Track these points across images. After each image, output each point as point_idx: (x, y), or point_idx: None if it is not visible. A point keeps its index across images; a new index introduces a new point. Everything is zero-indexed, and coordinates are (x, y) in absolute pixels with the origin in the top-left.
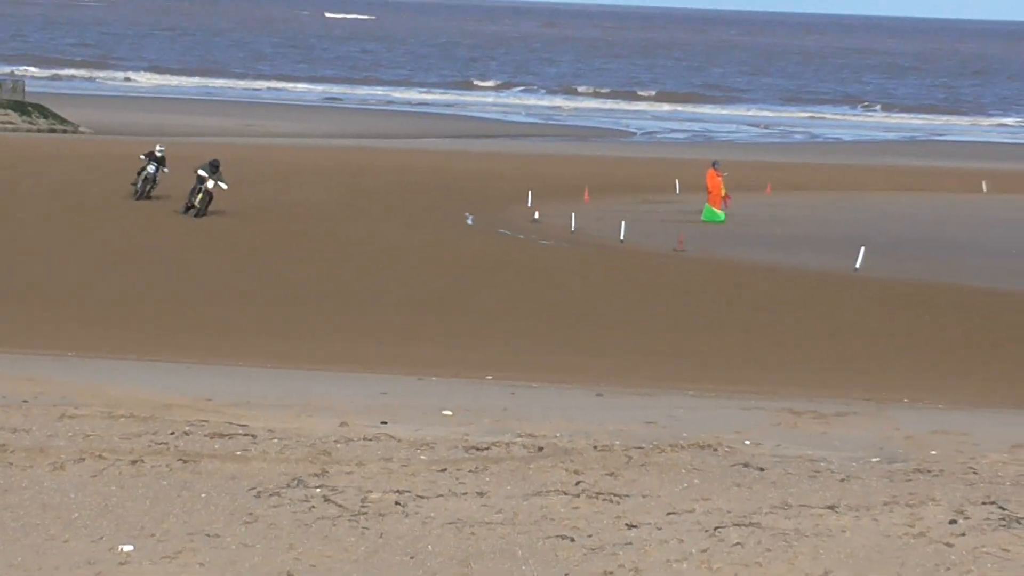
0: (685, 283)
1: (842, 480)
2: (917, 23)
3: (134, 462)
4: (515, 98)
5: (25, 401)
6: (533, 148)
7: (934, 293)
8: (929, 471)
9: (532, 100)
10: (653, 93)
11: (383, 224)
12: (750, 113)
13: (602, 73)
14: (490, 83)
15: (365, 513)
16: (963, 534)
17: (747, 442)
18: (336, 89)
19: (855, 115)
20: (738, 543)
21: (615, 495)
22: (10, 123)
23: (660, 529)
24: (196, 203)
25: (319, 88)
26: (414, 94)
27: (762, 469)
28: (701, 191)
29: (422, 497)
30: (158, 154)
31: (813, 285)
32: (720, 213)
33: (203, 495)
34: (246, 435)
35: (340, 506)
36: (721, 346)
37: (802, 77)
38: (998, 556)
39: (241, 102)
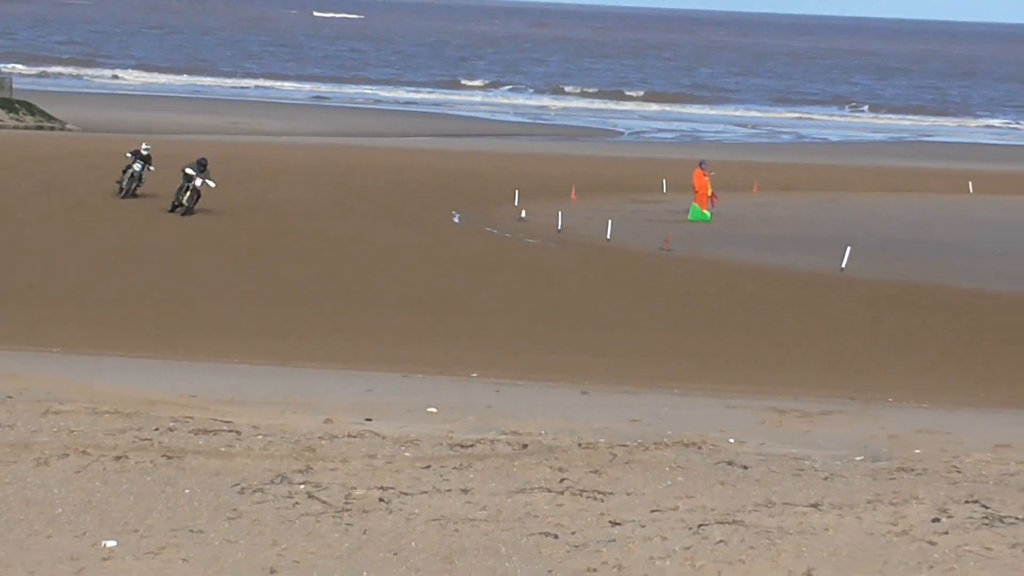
0: (672, 282)
1: (826, 478)
2: (906, 25)
3: (118, 458)
4: (503, 97)
5: (9, 397)
6: (521, 147)
7: (920, 293)
8: (913, 470)
9: (520, 100)
10: (641, 93)
11: (371, 223)
12: (738, 113)
13: (590, 73)
14: (478, 82)
15: (349, 510)
16: (946, 532)
17: (731, 440)
18: (324, 88)
19: (843, 116)
20: (722, 541)
21: (599, 492)
22: None
23: (644, 527)
24: (184, 201)
25: (307, 87)
26: (402, 93)
27: (746, 467)
28: (688, 191)
29: (406, 494)
30: (144, 152)
31: (800, 285)
32: (706, 212)
33: (187, 491)
34: (230, 431)
35: (324, 502)
36: (706, 345)
37: (790, 78)
38: (981, 554)
39: (229, 100)
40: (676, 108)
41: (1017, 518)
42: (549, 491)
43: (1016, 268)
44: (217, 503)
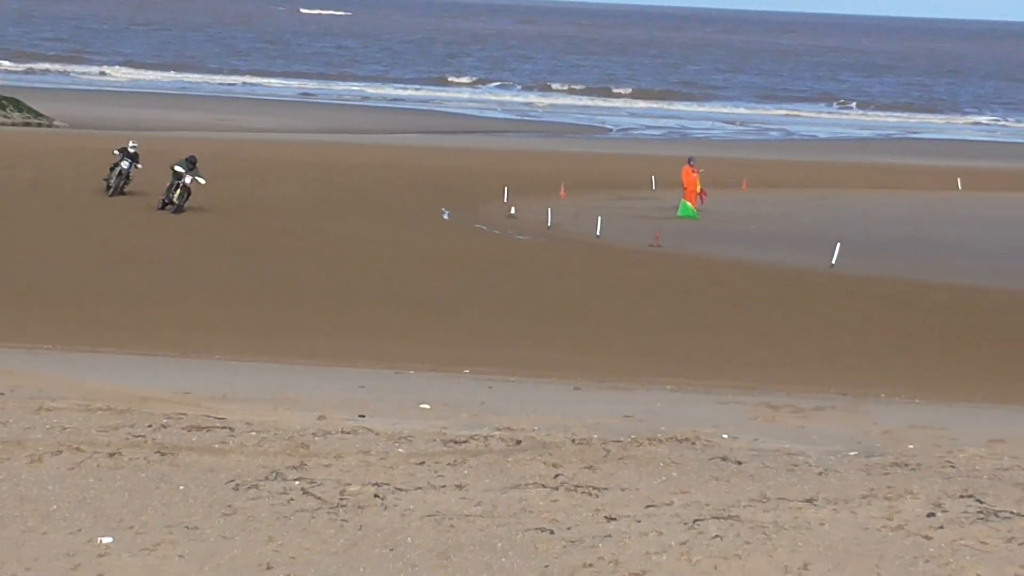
0: (662, 279)
1: (820, 474)
2: (893, 22)
3: (112, 455)
4: (490, 94)
5: (2, 394)
6: (509, 144)
7: (909, 290)
8: (907, 465)
9: (507, 96)
10: (629, 90)
11: (360, 219)
12: (726, 110)
13: (578, 70)
14: (465, 79)
15: (344, 506)
16: (941, 527)
17: (725, 436)
18: (311, 85)
19: (831, 113)
20: (717, 536)
21: (594, 488)
22: None
23: (639, 522)
24: (174, 199)
25: (294, 83)
26: (390, 90)
27: (740, 463)
28: (677, 187)
29: (401, 490)
30: (131, 150)
31: (789, 282)
32: (694, 210)
33: (181, 488)
34: (224, 428)
35: (319, 499)
36: (698, 341)
37: (778, 75)
38: (976, 549)
39: (216, 97)
40: (664, 105)
41: (1011, 512)
42: (544, 487)
43: (1006, 264)
44: (212, 499)
